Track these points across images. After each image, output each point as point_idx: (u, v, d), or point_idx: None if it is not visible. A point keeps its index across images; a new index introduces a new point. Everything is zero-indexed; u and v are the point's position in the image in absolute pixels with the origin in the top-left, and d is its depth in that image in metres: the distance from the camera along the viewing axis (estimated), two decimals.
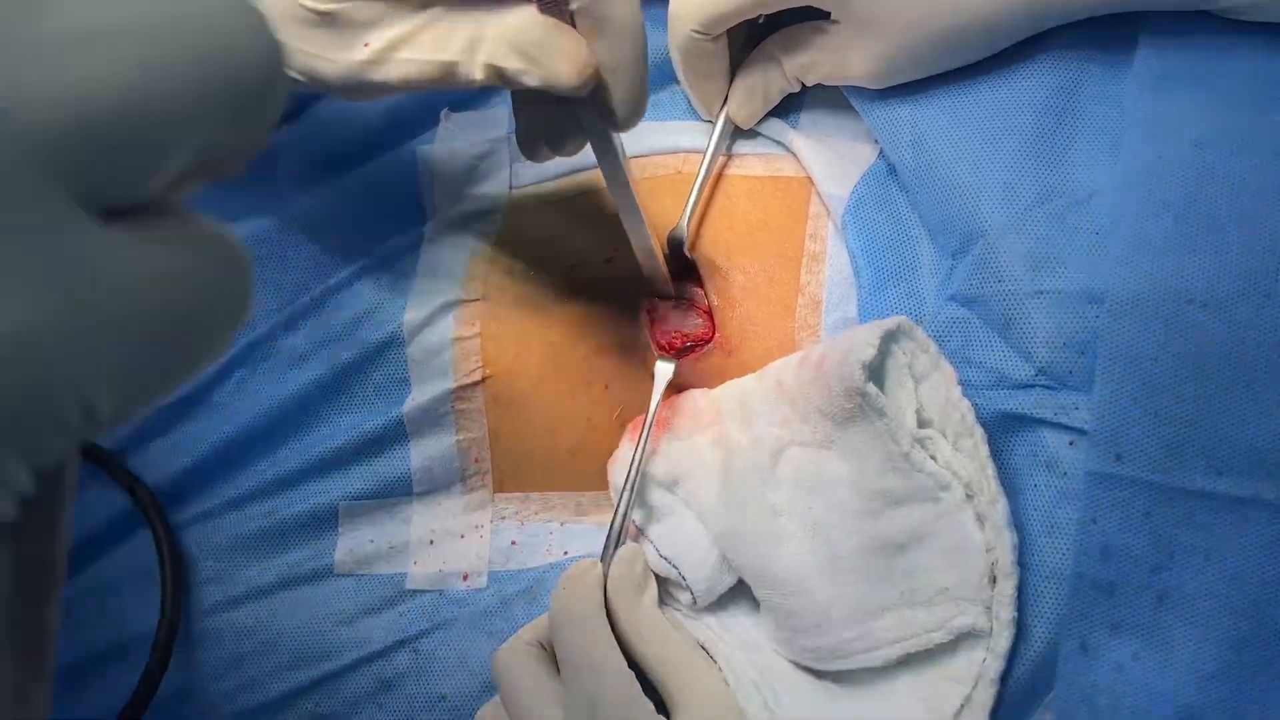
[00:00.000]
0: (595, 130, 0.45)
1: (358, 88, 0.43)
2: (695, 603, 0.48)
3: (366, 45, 0.42)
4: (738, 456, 0.47)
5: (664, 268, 0.51)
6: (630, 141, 0.54)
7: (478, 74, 0.42)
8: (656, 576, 0.48)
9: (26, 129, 0.15)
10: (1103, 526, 0.42)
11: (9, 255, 0.15)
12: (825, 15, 0.48)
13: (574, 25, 0.41)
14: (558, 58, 0.40)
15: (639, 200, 0.48)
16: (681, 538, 0.48)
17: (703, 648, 0.47)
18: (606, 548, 0.49)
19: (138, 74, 0.16)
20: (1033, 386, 0.45)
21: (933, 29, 0.46)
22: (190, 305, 0.18)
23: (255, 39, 0.18)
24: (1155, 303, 0.42)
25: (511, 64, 0.41)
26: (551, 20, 0.41)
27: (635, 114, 0.44)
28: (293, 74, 0.42)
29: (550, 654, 0.47)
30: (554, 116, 0.45)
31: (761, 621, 0.48)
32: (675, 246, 0.51)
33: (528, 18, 0.41)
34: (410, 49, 0.42)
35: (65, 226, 0.16)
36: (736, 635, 0.48)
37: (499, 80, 0.42)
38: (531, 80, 0.41)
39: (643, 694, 0.43)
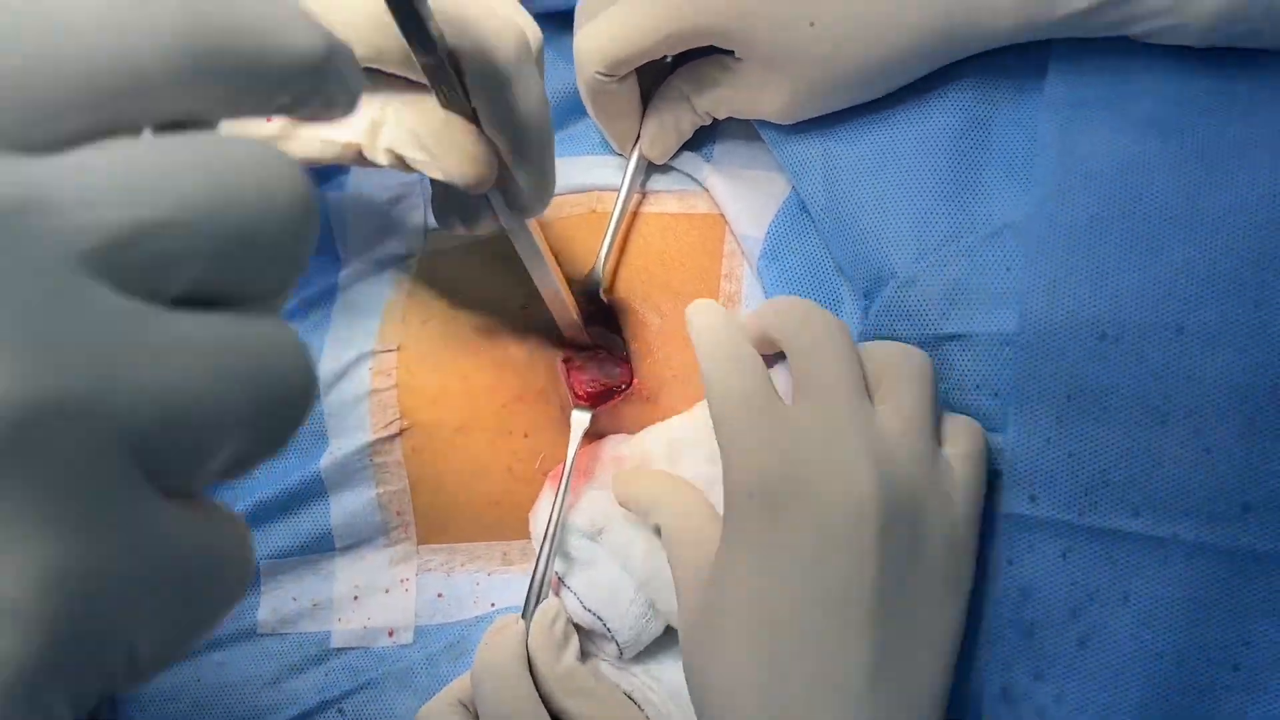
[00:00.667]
0: (504, 211, 0.44)
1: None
2: (621, 654, 0.47)
3: (269, 120, 0.41)
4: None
5: (579, 320, 0.50)
6: None
7: (380, 159, 0.41)
8: (580, 628, 0.47)
9: (120, 415, 0.18)
10: (1020, 569, 0.42)
11: (91, 518, 0.19)
12: (730, 52, 0.47)
13: (476, 118, 0.40)
14: (455, 156, 0.40)
15: (551, 263, 0.48)
16: (605, 587, 0.47)
17: (630, 699, 0.47)
18: (528, 602, 0.48)
19: (210, 384, 0.20)
20: None
21: (842, 66, 0.45)
22: (220, 569, 0.21)
23: (304, 373, 0.22)
24: (1065, 339, 0.41)
25: (410, 153, 0.40)
26: (452, 116, 0.40)
27: (540, 203, 0.43)
28: None
29: (473, 713, 0.46)
30: (465, 198, 0.44)
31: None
32: (591, 290, 0.50)
33: (429, 108, 0.40)
34: (312, 128, 0.41)
35: (140, 500, 0.19)
36: (666, 685, 0.47)
37: (402, 166, 0.41)
38: (431, 173, 0.40)
39: None
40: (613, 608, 0.46)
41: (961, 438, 0.42)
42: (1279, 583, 0.39)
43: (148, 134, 0.21)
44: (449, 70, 0.37)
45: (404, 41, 0.36)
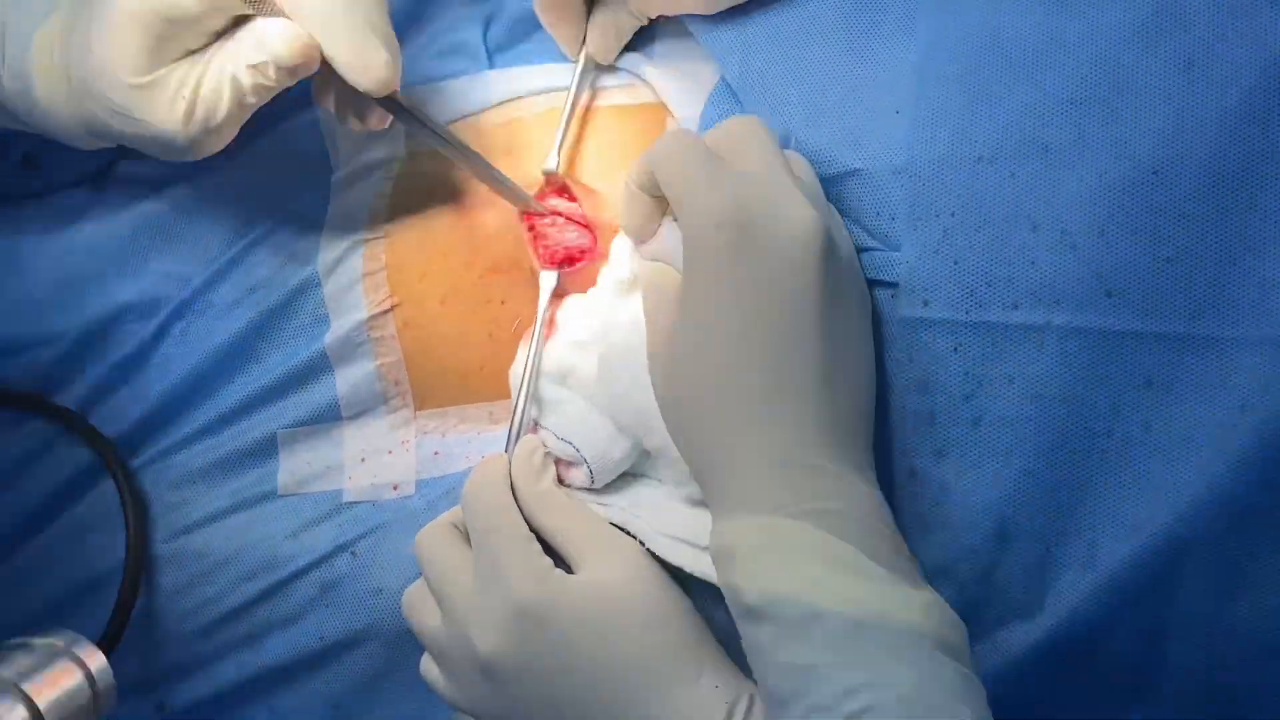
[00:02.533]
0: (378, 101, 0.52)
1: (198, 141, 0.52)
2: (593, 479, 0.54)
3: (183, 100, 0.51)
4: (615, 329, 0.53)
5: (516, 185, 0.57)
6: (506, 85, 0.61)
7: (246, 84, 0.51)
8: (559, 465, 0.54)
9: None
10: (918, 364, 0.48)
11: None
12: None
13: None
14: (275, 44, 0.49)
15: (464, 141, 0.56)
16: (574, 418, 0.54)
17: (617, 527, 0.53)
18: (509, 443, 0.55)
19: None
20: (871, 250, 0.50)
21: None
22: None
23: None
24: (947, 165, 0.48)
25: (257, 61, 0.50)
26: (269, 17, 0.50)
27: (367, 72, 0.51)
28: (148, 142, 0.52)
29: (464, 534, 0.53)
30: (349, 96, 0.53)
31: (663, 487, 0.54)
32: (550, 171, 0.58)
33: (255, 25, 0.50)
34: (203, 89, 0.51)
35: None
36: (646, 509, 0.54)
37: (268, 81, 0.50)
38: (271, 73, 0.50)
39: (540, 549, 0.50)
40: (582, 433, 0.53)
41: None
42: (1139, 357, 0.45)
43: None
44: None
45: None
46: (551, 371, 0.55)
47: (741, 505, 0.44)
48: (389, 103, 0.53)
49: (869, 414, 0.47)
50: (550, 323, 0.56)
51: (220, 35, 0.51)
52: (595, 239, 0.57)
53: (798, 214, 0.45)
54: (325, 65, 0.51)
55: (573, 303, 0.56)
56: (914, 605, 0.41)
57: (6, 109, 0.55)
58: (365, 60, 0.50)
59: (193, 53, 0.51)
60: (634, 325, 0.51)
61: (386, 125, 0.55)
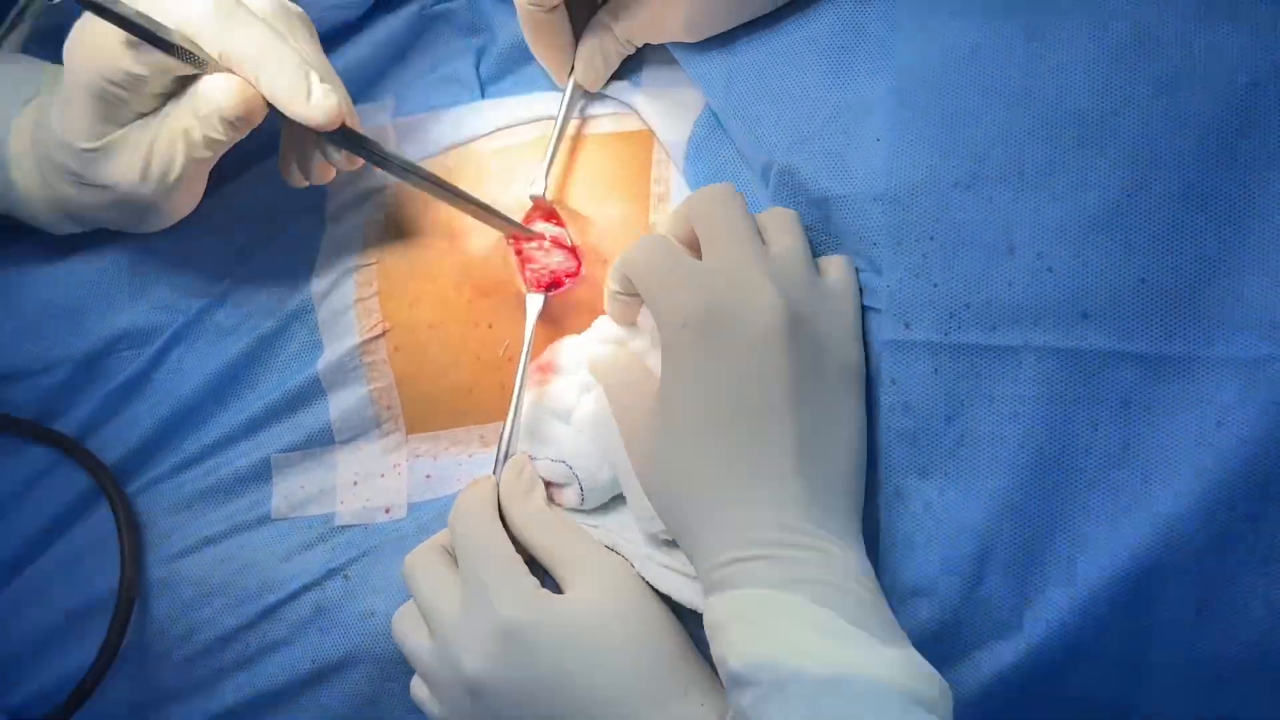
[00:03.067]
0: (333, 143, 0.55)
1: (163, 198, 0.55)
2: (584, 498, 0.54)
3: (138, 165, 0.54)
4: (610, 371, 0.54)
5: (501, 216, 0.58)
6: (498, 113, 0.62)
7: (197, 139, 0.53)
8: (550, 488, 0.55)
9: None
10: (901, 386, 0.49)
11: None
12: None
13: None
14: (220, 99, 0.52)
15: (440, 177, 0.58)
16: (569, 442, 0.55)
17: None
18: (496, 463, 0.55)
19: None
20: (861, 271, 0.51)
21: None
22: None
23: None
24: (926, 191, 0.49)
25: (205, 114, 0.52)
26: (212, 74, 0.52)
27: (312, 108, 0.53)
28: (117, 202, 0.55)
29: (453, 556, 0.54)
30: (303, 148, 0.56)
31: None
32: (536, 198, 0.59)
33: (200, 82, 0.52)
34: (156, 150, 0.53)
35: None
36: (616, 521, 0.54)
37: (219, 134, 0.53)
38: (220, 129, 0.53)
39: (527, 570, 0.50)
40: (576, 455, 0.54)
41: (833, 267, 0.51)
42: (1116, 376, 0.46)
43: None
44: (183, 55, 0.51)
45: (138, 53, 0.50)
46: (556, 409, 0.56)
47: (725, 581, 0.46)
48: (346, 140, 0.55)
49: (853, 480, 0.48)
50: (547, 367, 0.57)
51: (169, 98, 0.54)
52: (581, 263, 0.58)
53: (761, 303, 0.47)
54: (286, 119, 0.53)
55: (570, 344, 0.57)
56: (889, 661, 0.42)
57: None
58: (306, 96, 0.52)
59: (143, 115, 0.54)
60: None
61: (357, 166, 0.57)
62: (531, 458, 0.55)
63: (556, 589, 0.51)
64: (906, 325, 0.49)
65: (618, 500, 0.56)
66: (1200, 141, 0.45)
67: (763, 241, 0.50)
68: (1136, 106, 0.46)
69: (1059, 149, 0.47)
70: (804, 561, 0.45)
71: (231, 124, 0.52)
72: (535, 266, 0.58)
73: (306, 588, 0.58)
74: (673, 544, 0.52)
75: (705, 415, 0.47)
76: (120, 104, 0.53)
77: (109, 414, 0.62)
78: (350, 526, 0.59)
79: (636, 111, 0.61)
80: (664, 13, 0.56)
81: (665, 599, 0.51)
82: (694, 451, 0.47)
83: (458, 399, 0.60)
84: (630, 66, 0.61)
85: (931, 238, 0.49)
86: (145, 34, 0.49)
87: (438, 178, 0.57)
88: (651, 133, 0.60)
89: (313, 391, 0.60)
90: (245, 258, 0.62)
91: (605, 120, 0.61)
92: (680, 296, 0.48)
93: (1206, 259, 0.45)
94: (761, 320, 0.47)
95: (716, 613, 0.45)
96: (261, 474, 0.60)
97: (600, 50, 0.59)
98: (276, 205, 0.63)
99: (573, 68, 0.60)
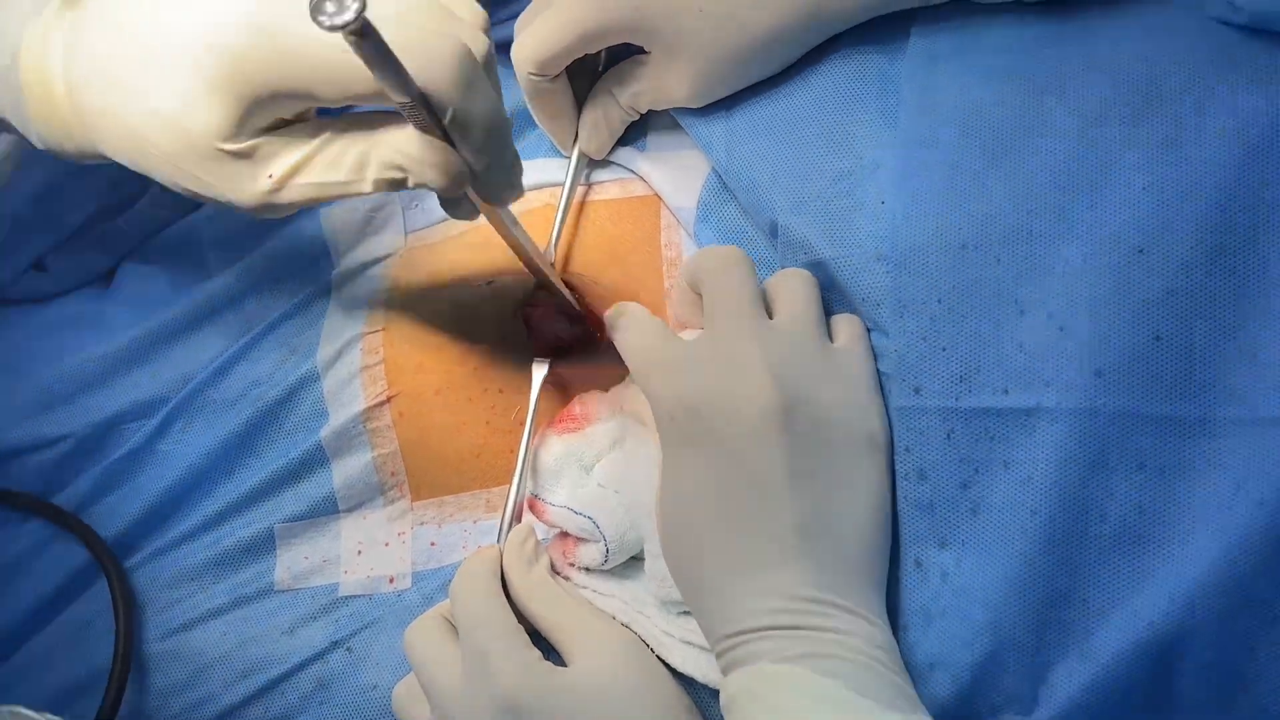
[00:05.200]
0: (480, 202, 0.51)
1: (267, 210, 0.49)
2: (608, 558, 0.53)
3: (270, 177, 0.48)
4: (633, 426, 0.54)
5: (556, 276, 0.58)
6: None
7: (367, 188, 0.48)
8: (570, 542, 0.54)
9: None
10: (915, 453, 0.48)
11: None
12: (642, 49, 0.56)
13: (447, 134, 0.46)
14: (430, 168, 0.47)
15: (528, 240, 0.55)
16: (591, 494, 0.54)
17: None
18: (501, 531, 0.55)
19: None
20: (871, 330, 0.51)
21: (729, 46, 0.54)
22: None
23: None
24: (933, 253, 0.48)
25: (392, 175, 0.47)
26: (425, 137, 0.46)
27: (506, 195, 0.50)
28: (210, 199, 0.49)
29: (454, 626, 0.52)
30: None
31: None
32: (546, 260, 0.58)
33: (405, 135, 0.47)
34: (306, 174, 0.48)
35: None
36: (652, 606, 0.53)
37: (386, 188, 0.48)
38: (412, 186, 0.48)
39: (529, 642, 0.49)
40: (601, 510, 0.53)
41: (844, 328, 0.50)
42: (1131, 439, 0.45)
43: None
44: (418, 103, 0.44)
45: (380, 84, 0.42)
46: (584, 460, 0.55)
47: (734, 658, 0.45)
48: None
49: (870, 549, 0.47)
50: (580, 416, 0.57)
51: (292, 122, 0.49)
52: (587, 330, 0.58)
53: (751, 391, 0.47)
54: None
55: (603, 396, 0.57)
56: None
57: None
58: (507, 188, 0.50)
59: (286, 122, 0.48)
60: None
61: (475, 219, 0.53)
62: (551, 504, 0.54)
63: (560, 661, 0.50)
64: (917, 391, 0.48)
65: (633, 564, 0.54)
66: (1215, 197, 0.45)
67: (768, 309, 0.50)
68: (1148, 162, 0.46)
69: (1068, 207, 0.47)
70: (811, 635, 0.44)
71: (422, 184, 0.47)
72: (542, 333, 0.57)
73: (309, 660, 0.57)
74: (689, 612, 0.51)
75: (700, 500, 0.47)
76: (268, 114, 0.47)
77: (111, 486, 0.62)
78: (354, 597, 0.59)
79: (642, 177, 0.60)
80: (667, 80, 0.56)
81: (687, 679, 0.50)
82: (693, 533, 0.47)
83: (464, 463, 0.59)
84: (634, 131, 0.61)
85: (939, 300, 0.48)
86: (400, 76, 0.42)
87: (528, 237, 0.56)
88: (658, 197, 0.60)
89: (316, 459, 0.59)
90: (252, 326, 0.62)
91: (612, 186, 0.61)
92: (669, 388, 0.48)
93: (1222, 317, 0.44)
94: (752, 409, 0.46)
95: (728, 689, 0.44)
96: (265, 544, 0.59)
97: (604, 118, 0.59)
98: (282, 273, 0.63)
99: (577, 136, 0.60)
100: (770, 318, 0.50)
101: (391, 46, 0.40)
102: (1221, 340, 0.44)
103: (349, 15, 0.36)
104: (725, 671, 0.45)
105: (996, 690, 0.45)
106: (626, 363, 0.51)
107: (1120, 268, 0.45)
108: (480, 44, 0.47)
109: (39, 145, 0.51)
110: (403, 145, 0.47)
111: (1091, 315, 0.46)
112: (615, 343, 0.52)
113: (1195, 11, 0.50)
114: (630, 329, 0.51)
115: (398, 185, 0.48)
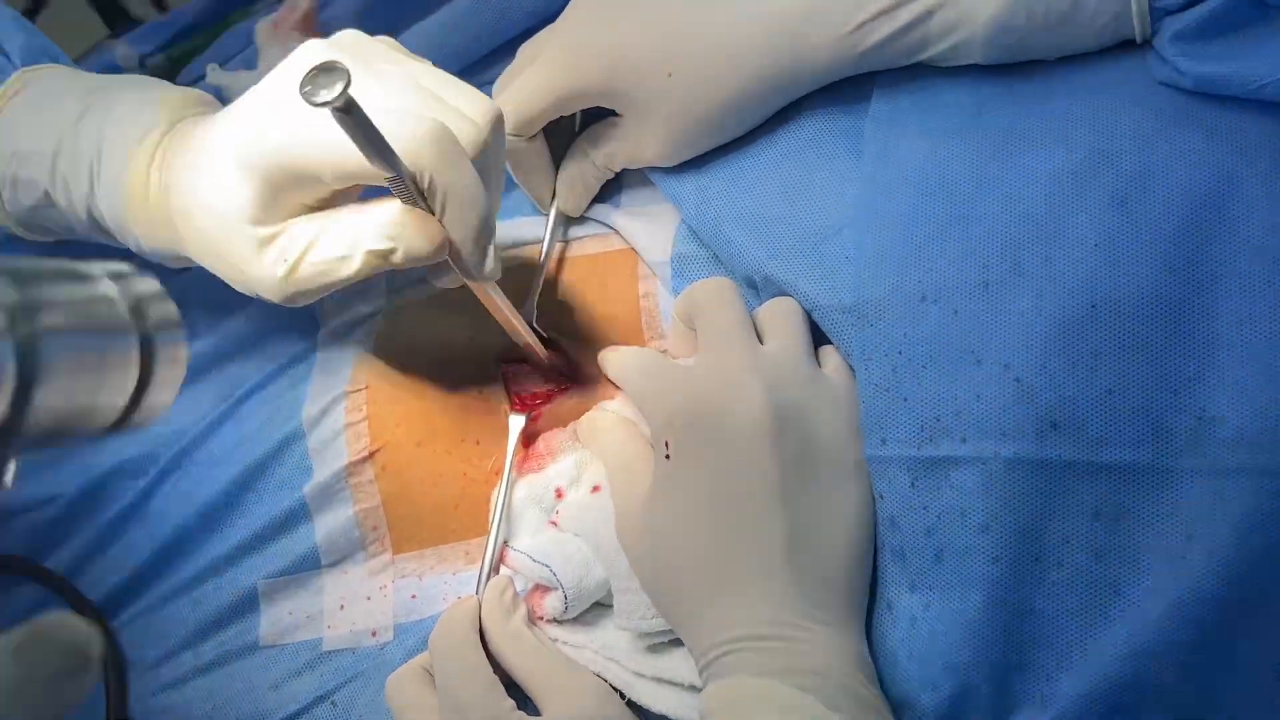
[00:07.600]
0: (460, 271, 0.53)
1: (293, 296, 0.52)
2: (567, 607, 0.53)
3: (286, 261, 0.51)
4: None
5: (535, 341, 0.59)
6: None
7: (356, 264, 0.51)
8: (534, 593, 0.55)
9: None
10: (887, 500, 0.49)
11: None
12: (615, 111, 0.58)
13: (430, 207, 0.50)
14: (414, 235, 0.49)
15: (508, 306, 0.57)
16: (552, 542, 0.55)
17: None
18: (479, 582, 0.56)
19: None
20: None
21: (700, 108, 0.56)
22: None
23: None
24: (894, 305, 0.50)
25: (382, 246, 0.50)
26: (409, 208, 0.50)
27: (480, 266, 0.52)
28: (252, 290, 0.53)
29: (433, 677, 0.53)
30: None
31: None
32: (526, 322, 0.60)
33: (392, 207, 0.50)
34: (313, 253, 0.51)
35: None
36: (622, 651, 0.53)
37: (378, 260, 0.50)
38: (398, 258, 0.50)
39: (504, 692, 0.50)
40: (560, 557, 0.54)
41: (832, 357, 0.53)
42: (1086, 487, 0.46)
43: None
44: (401, 176, 0.47)
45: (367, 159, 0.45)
46: (543, 501, 0.56)
47: (715, 671, 0.46)
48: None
49: (850, 570, 0.49)
50: (540, 453, 0.58)
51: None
52: (565, 384, 0.59)
53: (745, 403, 0.49)
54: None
55: (560, 432, 0.58)
56: None
57: (100, 225, 0.57)
58: (482, 260, 0.52)
59: (308, 208, 0.52)
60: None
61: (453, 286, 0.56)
62: (515, 550, 0.56)
63: (535, 711, 0.51)
64: (883, 441, 0.49)
65: (604, 611, 0.55)
66: (1164, 253, 0.46)
67: (759, 337, 0.52)
68: (1099, 220, 0.47)
69: (1023, 263, 0.48)
70: (790, 650, 0.45)
71: (409, 260, 0.50)
72: (519, 388, 0.59)
73: (295, 715, 0.58)
74: (663, 647, 0.52)
75: (692, 514, 0.48)
76: (292, 197, 0.51)
77: (103, 546, 0.62)
78: (337, 651, 0.59)
79: (618, 231, 0.62)
80: (639, 141, 0.58)
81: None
82: (683, 546, 0.48)
83: (443, 515, 0.60)
84: (610, 188, 0.63)
85: (900, 351, 0.49)
86: (383, 151, 0.45)
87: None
88: (634, 251, 0.61)
89: (299, 515, 0.60)
90: (239, 386, 0.64)
91: (589, 242, 0.63)
92: (664, 404, 0.50)
93: (1172, 370, 0.45)
94: (746, 420, 0.48)
95: (706, 703, 0.46)
96: (249, 601, 0.60)
97: (580, 177, 0.61)
98: (269, 332, 0.64)
99: (554, 194, 0.62)
100: (761, 344, 0.52)
101: (378, 126, 0.44)
102: (1171, 394, 0.45)
103: (334, 93, 0.40)
104: (706, 683, 0.47)
105: None
106: (622, 387, 0.53)
107: (1074, 322, 0.47)
108: (471, 131, 0.50)
109: (134, 249, 0.58)
110: (390, 216, 0.50)
111: (1045, 368, 0.47)
112: (609, 376, 0.54)
113: (1145, 73, 0.51)
114: (625, 356, 0.54)
115: (387, 257, 0.50)
